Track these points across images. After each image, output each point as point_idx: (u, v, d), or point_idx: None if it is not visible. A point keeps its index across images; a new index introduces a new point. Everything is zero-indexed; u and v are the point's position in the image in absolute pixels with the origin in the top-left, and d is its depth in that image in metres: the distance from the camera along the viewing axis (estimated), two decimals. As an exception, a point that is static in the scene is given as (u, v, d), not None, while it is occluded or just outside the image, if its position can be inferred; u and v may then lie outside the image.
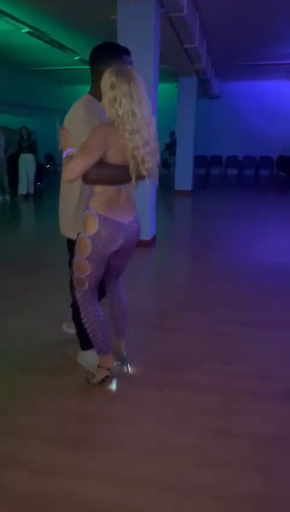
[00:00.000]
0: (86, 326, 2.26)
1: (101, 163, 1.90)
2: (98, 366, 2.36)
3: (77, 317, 2.36)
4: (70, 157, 1.95)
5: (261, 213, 8.41)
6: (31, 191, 9.63)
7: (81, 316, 2.25)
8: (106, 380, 2.35)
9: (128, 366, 2.50)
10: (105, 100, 1.90)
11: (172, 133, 12.94)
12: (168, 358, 2.69)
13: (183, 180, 10.67)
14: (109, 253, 2.09)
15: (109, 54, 2.16)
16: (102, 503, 1.62)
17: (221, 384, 2.42)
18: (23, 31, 7.68)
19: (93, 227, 2.01)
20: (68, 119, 2.18)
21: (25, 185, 9.50)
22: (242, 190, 12.24)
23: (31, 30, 7.68)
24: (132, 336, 2.86)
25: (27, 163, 9.45)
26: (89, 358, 2.52)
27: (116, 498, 1.65)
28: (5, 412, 2.16)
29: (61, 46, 8.88)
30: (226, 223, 7.40)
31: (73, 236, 2.32)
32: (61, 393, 2.31)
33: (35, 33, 7.87)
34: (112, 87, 1.85)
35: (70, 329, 2.83)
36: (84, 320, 2.25)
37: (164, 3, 4.87)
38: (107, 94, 1.88)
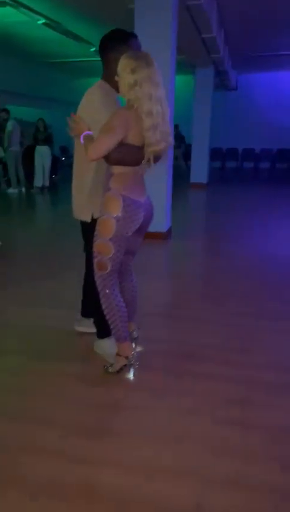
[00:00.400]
0: (105, 312, 2.24)
1: (122, 144, 1.94)
2: (117, 354, 2.35)
3: (95, 304, 2.33)
4: (90, 138, 1.98)
5: (278, 207, 8.31)
6: (47, 183, 9.65)
7: (101, 301, 2.23)
8: (124, 369, 2.34)
9: (137, 346, 2.48)
10: (124, 84, 1.94)
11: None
12: (187, 348, 2.67)
13: (199, 172, 10.60)
14: (131, 232, 2.11)
15: (116, 40, 2.18)
16: (119, 491, 1.61)
17: (240, 375, 2.39)
18: (39, 22, 7.68)
19: (117, 208, 2.03)
20: (84, 105, 2.18)
21: (40, 178, 9.51)
22: (258, 183, 12.09)
23: (47, 21, 7.67)
24: (149, 326, 2.85)
25: (43, 156, 9.43)
26: (106, 346, 2.51)
27: (135, 486, 1.64)
28: (23, 399, 2.16)
29: (77, 38, 8.85)
30: (242, 216, 7.33)
31: (87, 218, 2.32)
32: (79, 382, 2.31)
33: (51, 24, 7.86)
34: (132, 71, 1.89)
35: (83, 328, 2.82)
36: (103, 306, 2.24)
37: (182, -9, 4.82)
38: (126, 78, 1.91)
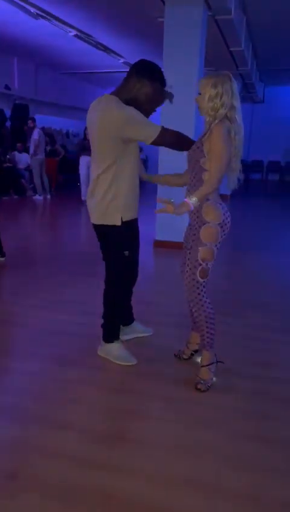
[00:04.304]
0: (208, 321, 2.29)
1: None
2: (206, 365, 2.36)
3: (104, 309, 2.49)
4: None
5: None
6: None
7: (201, 310, 2.27)
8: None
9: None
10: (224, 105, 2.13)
11: None
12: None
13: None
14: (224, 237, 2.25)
15: (156, 76, 2.30)
16: (132, 497, 1.62)
17: (259, 388, 2.37)
18: (70, 34, 7.86)
19: (219, 215, 2.23)
20: (120, 115, 2.23)
21: (86, 190, 9.14)
22: (283, 197, 11.98)
23: (78, 33, 7.85)
24: (168, 336, 2.85)
25: (88, 166, 8.93)
26: (112, 349, 2.56)
27: (148, 493, 1.64)
28: (43, 404, 2.20)
29: (107, 49, 9.01)
30: (266, 227, 7.27)
31: (115, 222, 2.36)
32: (97, 389, 2.33)
33: (82, 36, 8.03)
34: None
35: (127, 336, 2.81)
36: (205, 314, 2.27)
37: (212, 5, 4.87)
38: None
